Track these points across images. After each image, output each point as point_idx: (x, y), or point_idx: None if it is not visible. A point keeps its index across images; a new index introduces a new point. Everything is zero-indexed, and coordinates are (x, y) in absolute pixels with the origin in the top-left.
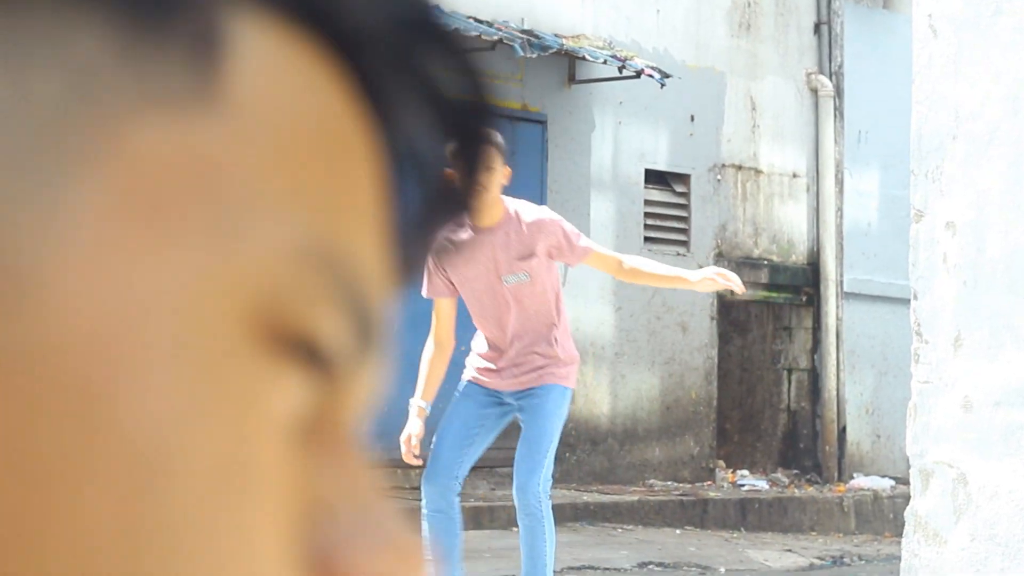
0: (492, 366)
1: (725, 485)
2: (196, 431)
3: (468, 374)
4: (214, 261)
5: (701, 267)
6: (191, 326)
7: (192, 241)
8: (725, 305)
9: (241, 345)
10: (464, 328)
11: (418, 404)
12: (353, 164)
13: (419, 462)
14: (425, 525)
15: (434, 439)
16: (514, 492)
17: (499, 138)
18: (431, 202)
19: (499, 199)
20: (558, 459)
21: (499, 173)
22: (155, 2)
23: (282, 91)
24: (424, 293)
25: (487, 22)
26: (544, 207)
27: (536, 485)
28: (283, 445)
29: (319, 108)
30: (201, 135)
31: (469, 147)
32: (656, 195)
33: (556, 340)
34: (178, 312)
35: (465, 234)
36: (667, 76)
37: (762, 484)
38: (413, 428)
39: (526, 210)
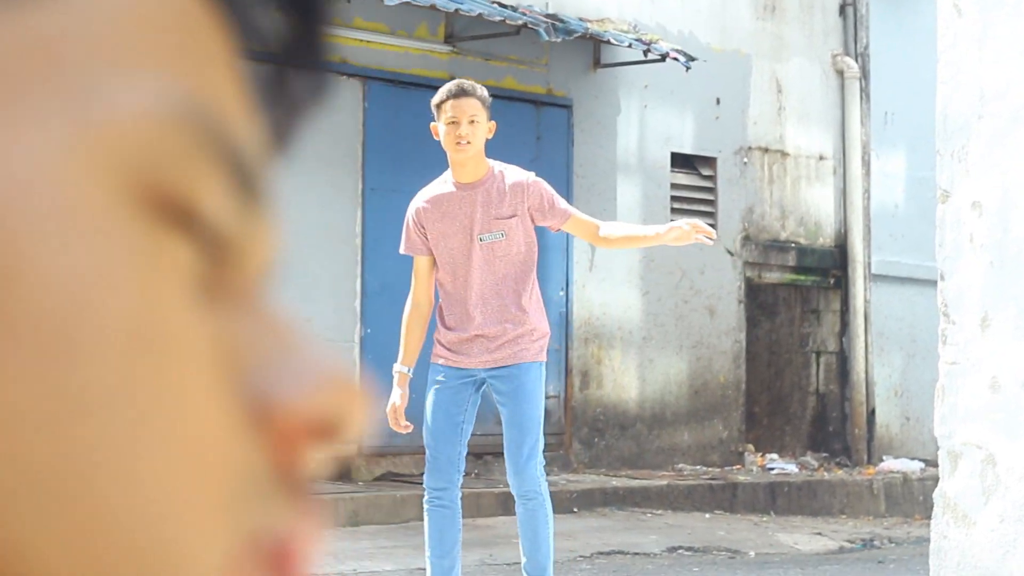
0: (462, 335)
1: (754, 469)
2: (99, 295)
3: (438, 355)
4: (77, 133)
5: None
6: (72, 197)
7: (52, 116)
8: (753, 288)
9: (124, 210)
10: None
11: (400, 370)
12: (202, 29)
13: (408, 429)
14: (427, 517)
15: (425, 436)
16: (510, 479)
17: (484, 91)
18: (282, 57)
19: (483, 155)
20: (586, 444)
21: (483, 127)
22: None
23: None
24: (401, 250)
25: (511, 7)
26: (530, 172)
27: (534, 470)
28: (188, 303)
29: None
30: (40, 15)
31: (307, 13)
32: (682, 179)
33: (525, 309)
34: (57, 184)
35: (446, 189)
36: (692, 59)
37: (791, 467)
38: (396, 397)
39: (511, 171)
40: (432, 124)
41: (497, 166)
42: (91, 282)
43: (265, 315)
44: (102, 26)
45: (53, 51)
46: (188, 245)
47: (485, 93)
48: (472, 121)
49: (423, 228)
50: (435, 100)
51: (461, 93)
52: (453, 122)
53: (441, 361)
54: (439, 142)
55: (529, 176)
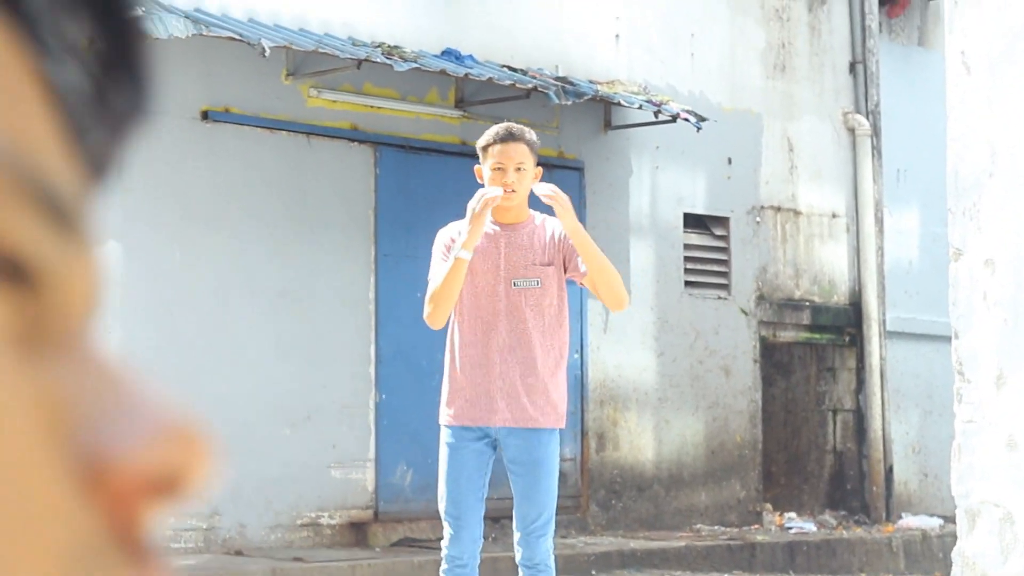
0: (480, 385)
1: (773, 528)
2: None
3: (450, 414)
4: None
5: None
6: None
7: None
8: (768, 347)
9: None
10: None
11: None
12: (4, 66)
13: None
14: None
15: (445, 506)
16: (520, 550)
17: (532, 135)
18: (99, 86)
19: (526, 202)
20: (604, 506)
21: (530, 174)
22: None
23: None
24: (431, 277)
25: (521, 70)
26: None
27: (547, 543)
28: (2, 357)
29: None
30: None
31: (115, 22)
32: (695, 239)
33: (550, 368)
34: None
35: (486, 229)
36: (703, 119)
37: (810, 526)
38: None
39: (551, 221)
40: (476, 167)
41: (538, 215)
42: None
43: (93, 360)
44: None
45: None
46: (1, 289)
47: (534, 137)
48: (519, 168)
49: None
50: (481, 142)
51: (509, 137)
52: (499, 168)
53: (454, 422)
54: (480, 187)
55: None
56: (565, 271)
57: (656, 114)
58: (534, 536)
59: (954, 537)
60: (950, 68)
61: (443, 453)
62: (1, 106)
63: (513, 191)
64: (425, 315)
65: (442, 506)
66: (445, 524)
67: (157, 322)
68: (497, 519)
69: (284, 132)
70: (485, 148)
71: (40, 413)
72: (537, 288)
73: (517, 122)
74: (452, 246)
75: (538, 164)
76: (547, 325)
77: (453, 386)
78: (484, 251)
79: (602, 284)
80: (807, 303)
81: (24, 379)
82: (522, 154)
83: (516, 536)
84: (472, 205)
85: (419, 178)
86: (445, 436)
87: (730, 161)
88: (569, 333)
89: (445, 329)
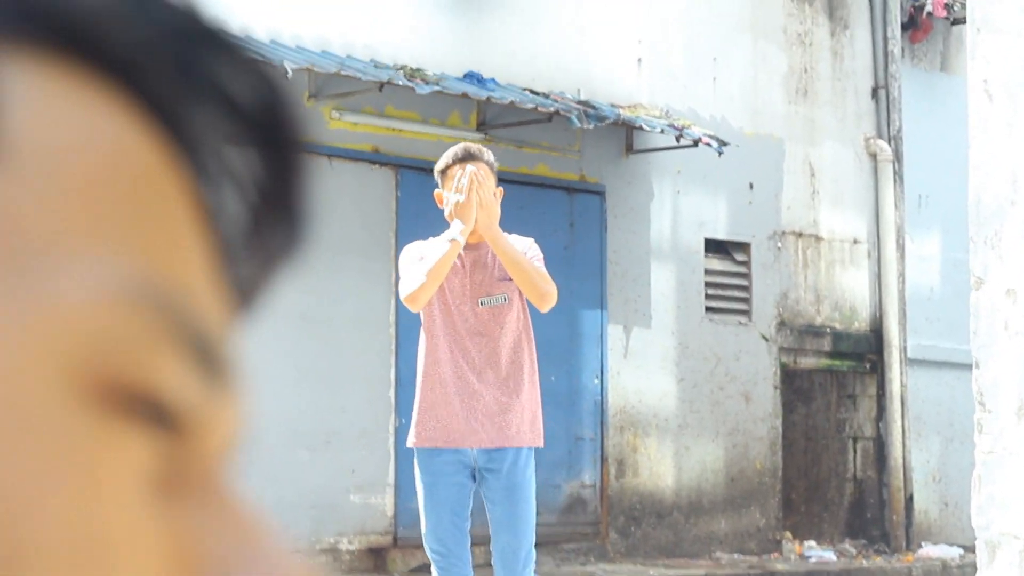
0: (454, 403)
1: (792, 556)
2: (40, 500)
3: (423, 436)
4: (19, 319)
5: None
6: (12, 392)
7: None
8: (788, 374)
9: (69, 406)
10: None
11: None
12: (162, 193)
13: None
14: None
15: (430, 541)
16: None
17: (491, 155)
18: (258, 216)
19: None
20: (623, 533)
21: (491, 193)
22: None
23: (63, 133)
24: (402, 287)
25: (543, 94)
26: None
27: (530, 574)
28: (139, 502)
29: (108, 142)
30: None
31: (279, 154)
32: (716, 264)
33: (523, 383)
34: None
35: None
36: (725, 144)
37: (829, 555)
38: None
39: (512, 238)
40: (436, 191)
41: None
42: (31, 485)
43: (227, 507)
44: (55, 198)
45: (4, 230)
46: (143, 434)
47: (492, 157)
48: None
49: None
50: (439, 166)
51: (468, 158)
52: (460, 190)
53: (427, 443)
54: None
55: (528, 239)
56: None
57: (678, 138)
58: (517, 569)
59: (974, 567)
60: (972, 96)
61: (421, 485)
62: (151, 237)
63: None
64: (408, 293)
65: (426, 542)
66: (432, 561)
67: None
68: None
69: (305, 154)
70: (444, 171)
71: (173, 559)
72: (505, 304)
73: (538, 146)
74: (426, 254)
75: (498, 184)
76: (517, 341)
77: (424, 406)
78: (451, 271)
79: (520, 282)
80: (828, 329)
81: (161, 525)
82: (483, 173)
83: (498, 573)
84: (455, 199)
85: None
86: (420, 462)
87: (751, 186)
88: (536, 349)
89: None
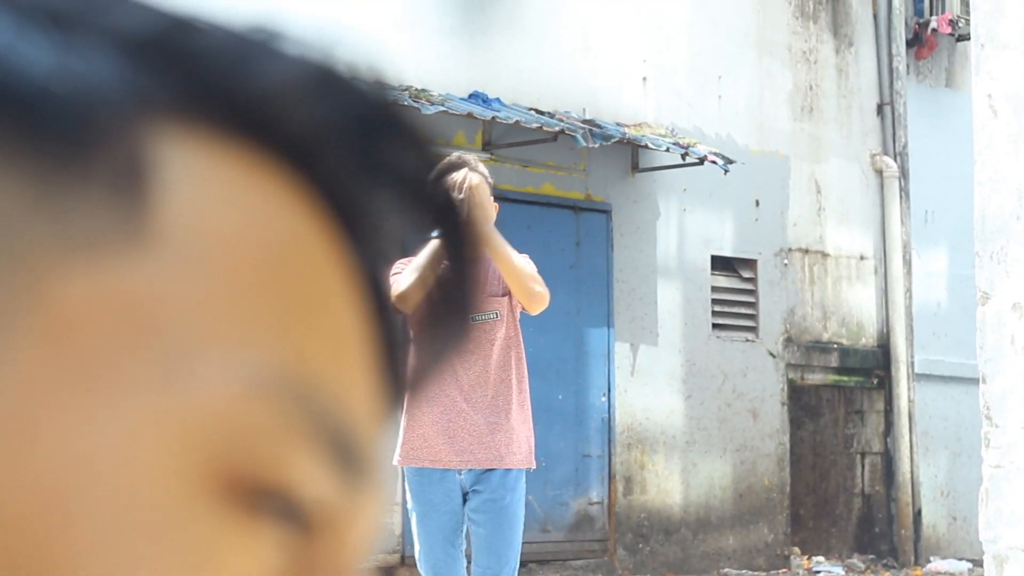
0: (443, 421)
1: (801, 572)
2: None
3: (411, 455)
4: (155, 410)
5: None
6: (140, 487)
7: (131, 392)
8: (796, 390)
9: (201, 501)
10: None
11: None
12: (319, 281)
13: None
14: None
15: (423, 566)
16: None
17: (484, 169)
18: (431, 302)
19: None
20: (631, 550)
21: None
22: (68, 139)
23: (219, 217)
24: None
25: (548, 113)
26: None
27: None
28: None
29: (267, 228)
30: (131, 276)
31: (452, 235)
32: (723, 281)
33: (513, 404)
34: (125, 472)
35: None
36: (730, 161)
37: (838, 570)
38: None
39: None
40: None
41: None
42: None
43: None
44: (201, 285)
45: (146, 319)
46: (272, 531)
47: (485, 170)
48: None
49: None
50: (432, 176)
51: (462, 164)
52: None
53: (415, 463)
54: None
55: (523, 256)
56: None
57: (683, 156)
58: None
59: None
60: (977, 111)
61: (413, 511)
62: (301, 329)
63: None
64: (399, 291)
65: (420, 566)
66: None
67: None
68: (552, 560)
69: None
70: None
71: None
72: (495, 320)
73: (543, 165)
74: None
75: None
76: (506, 359)
77: (411, 424)
78: None
79: (512, 279)
80: (835, 345)
81: None
82: (476, 179)
83: None
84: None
85: None
86: (412, 488)
87: (758, 203)
88: (526, 368)
89: None
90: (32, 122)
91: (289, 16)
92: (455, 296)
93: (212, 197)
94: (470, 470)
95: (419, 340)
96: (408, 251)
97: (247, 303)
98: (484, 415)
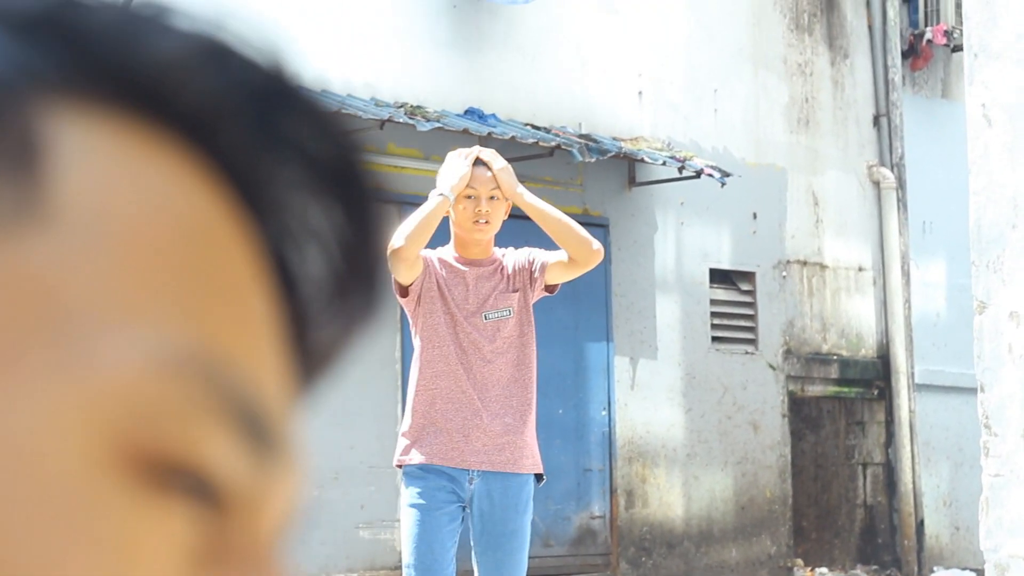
0: (448, 426)
1: None
2: (78, 575)
3: (415, 453)
4: (59, 391)
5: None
6: (46, 468)
7: (31, 372)
8: (796, 402)
9: (110, 481)
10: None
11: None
12: (223, 257)
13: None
14: None
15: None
16: None
17: (501, 163)
18: (339, 275)
19: (493, 237)
20: (634, 564)
21: (503, 204)
22: None
23: (117, 194)
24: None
25: (544, 128)
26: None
27: None
28: None
29: (168, 204)
30: (28, 256)
31: (356, 210)
32: (721, 294)
33: (524, 407)
34: (29, 453)
35: (452, 262)
36: (727, 175)
37: None
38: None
39: (512, 250)
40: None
41: (499, 250)
42: (67, 558)
43: None
44: (100, 262)
45: (43, 297)
46: (184, 508)
47: (505, 165)
48: (492, 197)
49: (436, 269)
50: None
51: (480, 163)
52: (470, 196)
53: (421, 460)
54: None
55: (526, 248)
56: (532, 286)
57: (680, 170)
58: None
59: None
60: (971, 121)
61: (407, 513)
62: (207, 304)
63: (487, 222)
64: (396, 246)
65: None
66: None
67: None
68: None
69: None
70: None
71: None
72: (509, 318)
73: (540, 180)
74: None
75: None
76: (521, 358)
77: (420, 422)
78: (453, 286)
79: (560, 233)
80: (835, 357)
81: None
82: (494, 182)
83: None
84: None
85: (444, 237)
86: (410, 485)
87: (755, 216)
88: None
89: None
90: None
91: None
92: (362, 270)
93: (109, 174)
94: (483, 479)
95: (331, 312)
96: (311, 226)
97: (148, 280)
98: (498, 416)
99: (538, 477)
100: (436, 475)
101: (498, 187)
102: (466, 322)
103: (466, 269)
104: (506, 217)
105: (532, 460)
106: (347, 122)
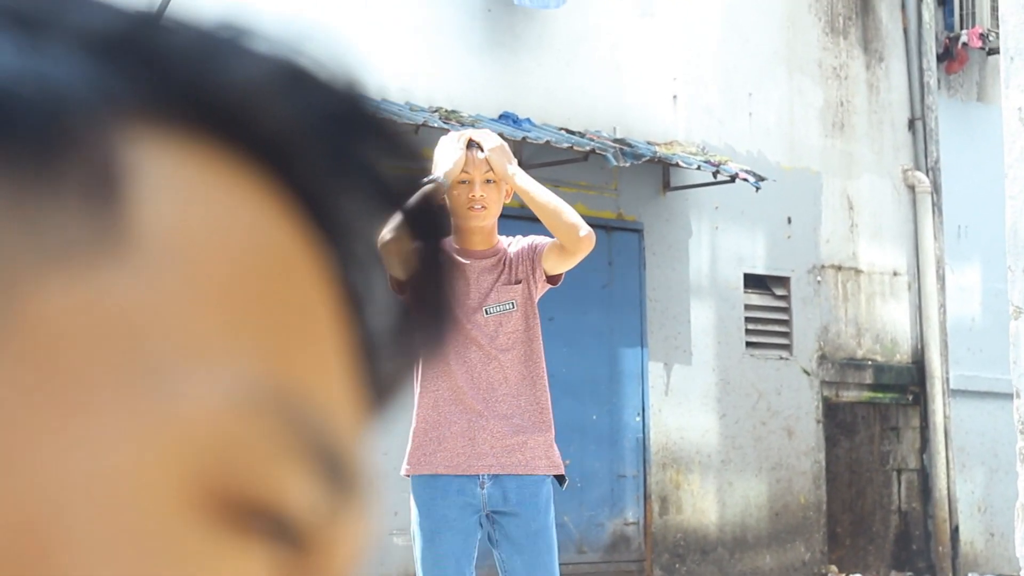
0: (454, 429)
1: None
2: None
3: (424, 460)
4: (139, 428)
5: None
6: (126, 506)
7: (111, 408)
8: (831, 407)
9: (191, 522)
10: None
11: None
12: (299, 287)
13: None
14: None
15: None
16: None
17: (492, 142)
18: (408, 305)
19: (495, 226)
20: (668, 570)
21: (501, 188)
22: (37, 145)
23: (196, 221)
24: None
25: (579, 133)
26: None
27: None
28: None
29: (247, 233)
30: (109, 288)
31: (429, 240)
32: (756, 299)
33: (536, 404)
34: (109, 491)
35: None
36: (762, 179)
37: None
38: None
39: (517, 239)
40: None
41: (504, 239)
42: None
43: None
44: (181, 296)
45: (125, 332)
46: (262, 549)
47: (500, 143)
48: (488, 181)
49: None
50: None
51: (474, 145)
52: (464, 181)
53: (426, 470)
54: None
55: (530, 236)
56: (535, 276)
57: (715, 174)
58: None
59: None
60: (1007, 125)
61: (420, 531)
62: (284, 338)
63: (483, 207)
64: (384, 239)
65: None
66: None
67: None
68: None
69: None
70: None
71: None
72: (513, 312)
73: (575, 185)
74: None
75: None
76: (526, 353)
77: (424, 427)
78: (460, 278)
79: (547, 215)
80: (869, 362)
81: None
82: (488, 164)
83: None
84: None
85: None
86: (420, 502)
87: (790, 220)
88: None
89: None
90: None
91: (257, 14)
92: (430, 300)
93: (188, 201)
94: (495, 482)
95: (398, 341)
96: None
97: (227, 313)
98: (506, 417)
99: (559, 479)
100: (444, 488)
101: (491, 169)
102: (466, 319)
103: (467, 262)
104: (507, 201)
105: (548, 461)
106: (417, 150)
